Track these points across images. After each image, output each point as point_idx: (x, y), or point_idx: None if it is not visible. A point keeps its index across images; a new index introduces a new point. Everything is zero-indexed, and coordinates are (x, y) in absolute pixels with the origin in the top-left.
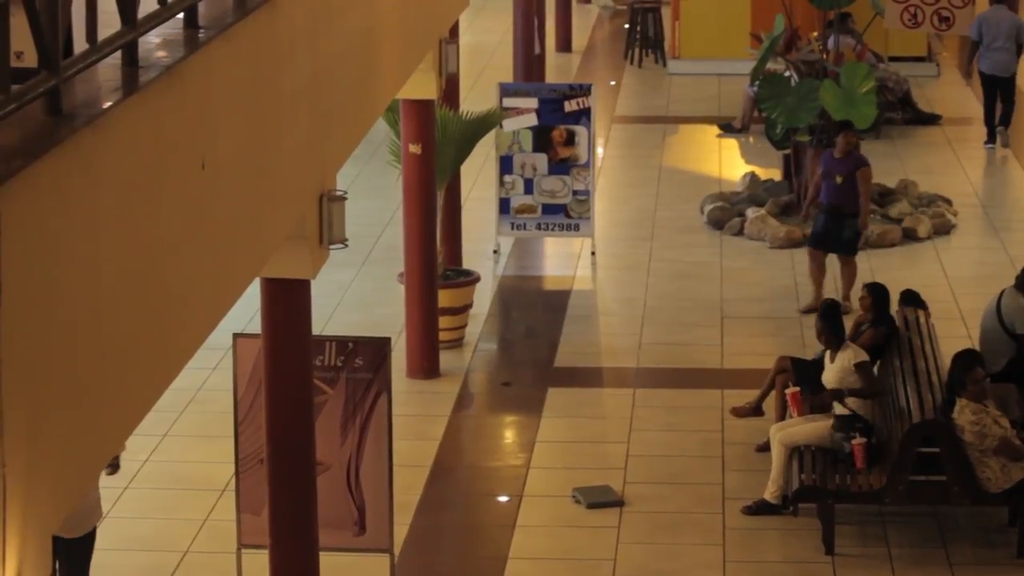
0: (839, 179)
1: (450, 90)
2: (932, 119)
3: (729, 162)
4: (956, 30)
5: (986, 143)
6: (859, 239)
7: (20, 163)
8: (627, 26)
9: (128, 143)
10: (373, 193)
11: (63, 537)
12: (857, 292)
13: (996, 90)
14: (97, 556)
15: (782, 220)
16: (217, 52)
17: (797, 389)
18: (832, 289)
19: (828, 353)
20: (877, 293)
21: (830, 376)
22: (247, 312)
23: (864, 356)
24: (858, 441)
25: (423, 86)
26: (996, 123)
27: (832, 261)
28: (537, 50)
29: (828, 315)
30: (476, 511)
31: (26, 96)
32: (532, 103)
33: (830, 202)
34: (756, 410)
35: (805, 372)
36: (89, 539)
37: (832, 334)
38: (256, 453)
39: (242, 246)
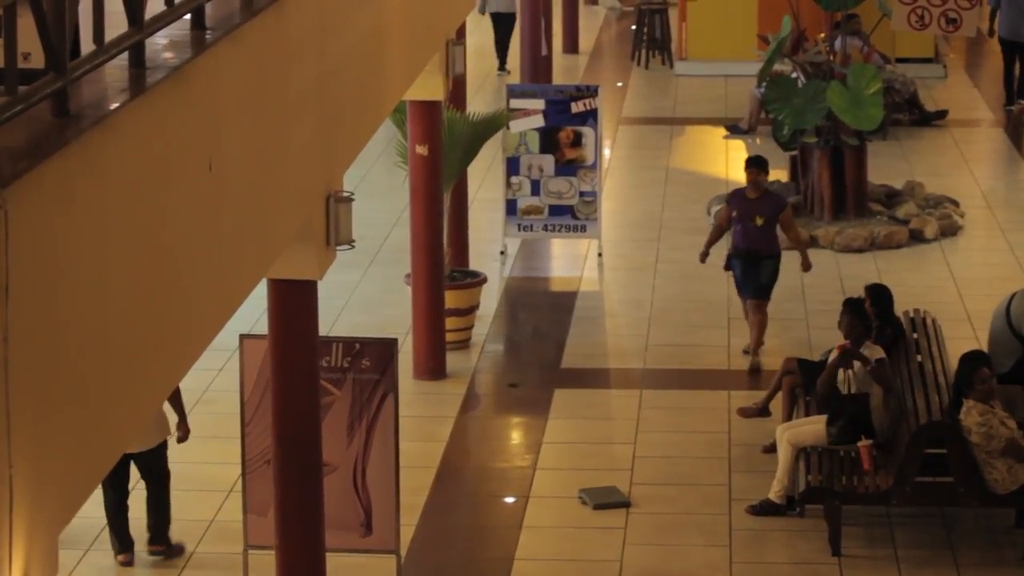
0: (760, 221)
1: (457, 91)
2: (938, 115)
3: (736, 163)
4: (963, 32)
5: (1005, 106)
6: (774, 283)
7: (27, 164)
8: (634, 28)
9: (135, 144)
10: (380, 194)
11: (134, 454)
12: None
13: (1015, 55)
14: (104, 557)
15: None
16: (224, 53)
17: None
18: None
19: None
20: (876, 295)
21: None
22: (254, 313)
23: (882, 354)
24: (864, 443)
25: (430, 87)
26: (1016, 88)
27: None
28: (544, 51)
29: (855, 310)
30: (483, 512)
31: (33, 97)
32: (539, 104)
33: (749, 246)
34: (763, 411)
35: (812, 373)
36: (159, 453)
37: (864, 327)
38: (263, 454)
39: (249, 247)
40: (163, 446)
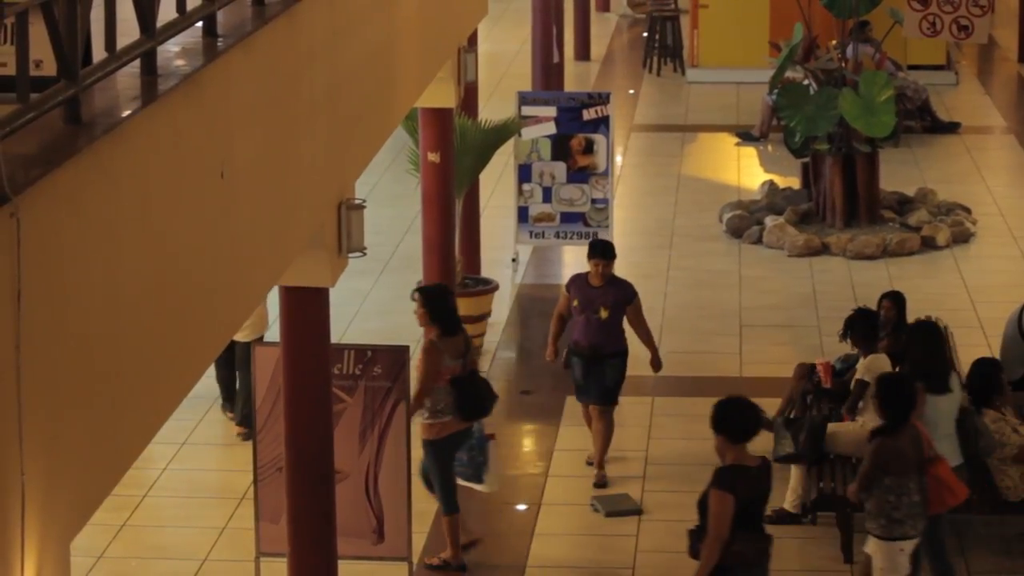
0: (604, 313)
1: (469, 99)
2: (951, 127)
3: (748, 170)
4: (975, 39)
5: None
6: (621, 384)
7: (39, 171)
8: (646, 35)
9: (147, 152)
10: (392, 201)
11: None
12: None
13: None
14: (117, 564)
15: (801, 228)
16: (236, 61)
17: (828, 361)
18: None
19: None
20: (900, 301)
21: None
22: None
23: (887, 367)
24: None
25: (442, 95)
26: None
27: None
28: (556, 59)
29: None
30: (495, 519)
31: (45, 105)
32: (551, 112)
33: (591, 342)
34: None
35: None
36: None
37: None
38: (275, 461)
39: (261, 254)
40: (260, 340)
